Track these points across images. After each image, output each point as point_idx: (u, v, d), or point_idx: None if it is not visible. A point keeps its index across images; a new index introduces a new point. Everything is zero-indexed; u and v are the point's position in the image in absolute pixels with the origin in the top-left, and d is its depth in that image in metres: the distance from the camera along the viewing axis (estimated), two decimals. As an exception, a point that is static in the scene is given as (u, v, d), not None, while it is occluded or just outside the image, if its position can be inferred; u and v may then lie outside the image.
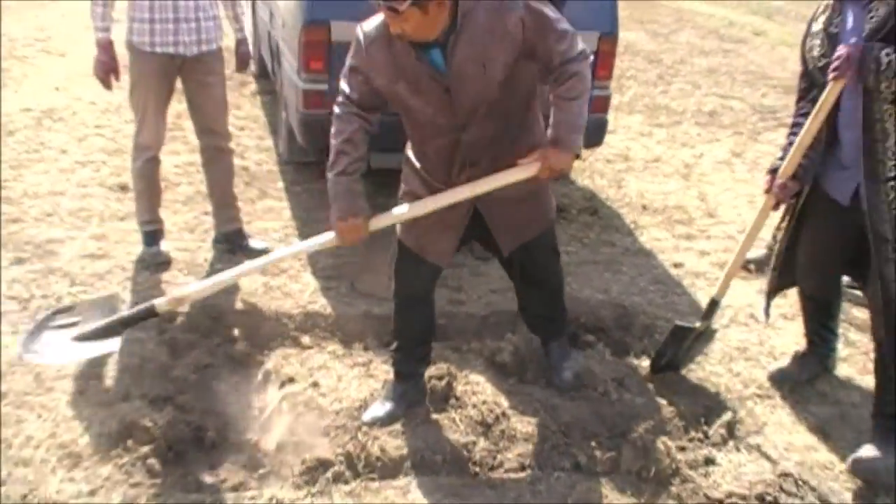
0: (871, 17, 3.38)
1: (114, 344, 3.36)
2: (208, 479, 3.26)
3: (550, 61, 3.22)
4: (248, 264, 3.55)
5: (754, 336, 4.61)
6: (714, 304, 4.04)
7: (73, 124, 6.91)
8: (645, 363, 4.22)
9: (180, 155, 6.43)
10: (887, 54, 3.26)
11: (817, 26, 3.62)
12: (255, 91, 8.42)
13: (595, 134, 5.76)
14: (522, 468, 3.43)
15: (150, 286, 4.52)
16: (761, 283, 5.21)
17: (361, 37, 3.26)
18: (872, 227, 3.48)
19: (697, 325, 4.06)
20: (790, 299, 5.03)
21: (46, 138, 6.65)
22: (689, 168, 7.43)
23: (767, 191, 3.87)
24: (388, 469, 3.30)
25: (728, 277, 4.02)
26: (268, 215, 5.59)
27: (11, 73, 8.53)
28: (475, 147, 3.35)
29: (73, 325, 3.43)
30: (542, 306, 4.02)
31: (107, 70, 4.55)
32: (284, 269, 4.84)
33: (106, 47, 4.52)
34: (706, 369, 4.27)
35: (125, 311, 3.60)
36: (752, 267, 5.41)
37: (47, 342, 3.34)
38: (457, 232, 3.60)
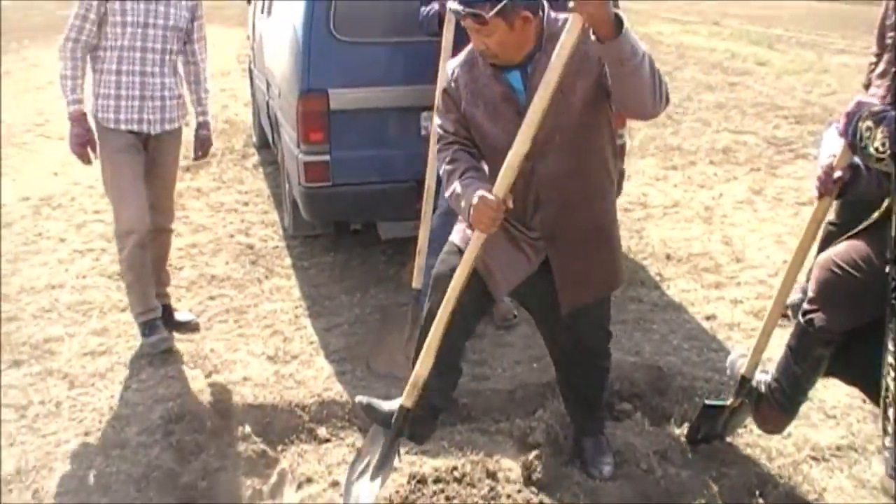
0: None
1: (396, 461, 3.35)
2: None
3: None
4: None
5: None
6: (745, 380, 3.71)
7: (71, 211, 6.72)
8: (686, 430, 3.92)
9: (183, 237, 6.20)
10: (868, 128, 2.90)
11: None
12: (256, 163, 8.23)
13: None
14: (568, 564, 3.14)
15: (154, 383, 4.25)
16: (800, 330, 4.93)
17: (450, 66, 3.29)
18: None
19: (728, 402, 3.77)
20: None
21: (44, 227, 6.46)
22: (709, 211, 7.17)
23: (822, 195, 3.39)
24: (422, 577, 3.01)
25: (758, 352, 3.69)
26: (275, 295, 5.34)
27: (10, 161, 8.39)
28: (549, 182, 3.15)
29: (367, 465, 3.35)
30: (585, 390, 3.73)
31: (82, 143, 4.38)
32: (296, 354, 4.59)
33: (79, 119, 4.35)
34: (753, 433, 3.95)
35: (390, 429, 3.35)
36: (789, 313, 5.11)
37: (357, 495, 3.28)
38: (522, 271, 3.31)
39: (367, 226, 5.74)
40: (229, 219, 6.65)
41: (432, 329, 3.16)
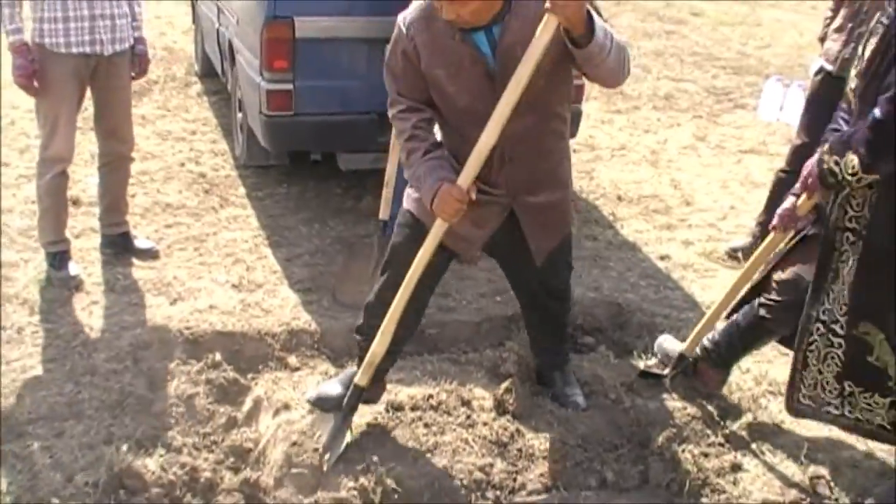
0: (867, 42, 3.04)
1: (347, 437, 3.27)
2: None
3: None
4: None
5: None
6: (682, 358, 3.83)
7: (12, 135, 6.47)
8: (649, 362, 4.02)
9: (133, 163, 6.02)
10: (836, 163, 2.99)
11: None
12: (200, 91, 8.04)
13: (572, 125, 5.54)
14: (547, 489, 3.22)
15: (119, 310, 4.18)
16: (751, 272, 5.07)
17: (401, 22, 3.09)
18: None
19: (665, 372, 3.89)
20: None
21: (-14, 153, 6.24)
22: (656, 155, 7.27)
23: (775, 228, 3.49)
24: (407, 501, 3.05)
25: (698, 336, 3.80)
26: (233, 224, 5.27)
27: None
28: (514, 140, 3.11)
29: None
30: (552, 324, 3.79)
31: (27, 74, 4.18)
32: (260, 283, 4.55)
33: (21, 50, 4.16)
34: (715, 367, 4.08)
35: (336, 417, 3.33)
36: (739, 256, 5.25)
37: None
38: (489, 230, 3.35)
39: (325, 157, 5.68)
40: (178, 147, 6.50)
41: (390, 312, 3.18)
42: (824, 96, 4.94)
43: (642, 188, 6.43)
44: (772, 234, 3.48)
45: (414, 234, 3.27)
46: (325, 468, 3.16)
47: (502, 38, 2.99)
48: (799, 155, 5.11)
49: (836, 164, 3.00)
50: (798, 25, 14.99)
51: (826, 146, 3.07)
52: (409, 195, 3.37)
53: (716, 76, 10.42)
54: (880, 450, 3.54)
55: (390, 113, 3.19)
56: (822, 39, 5.08)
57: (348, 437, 3.25)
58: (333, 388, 3.44)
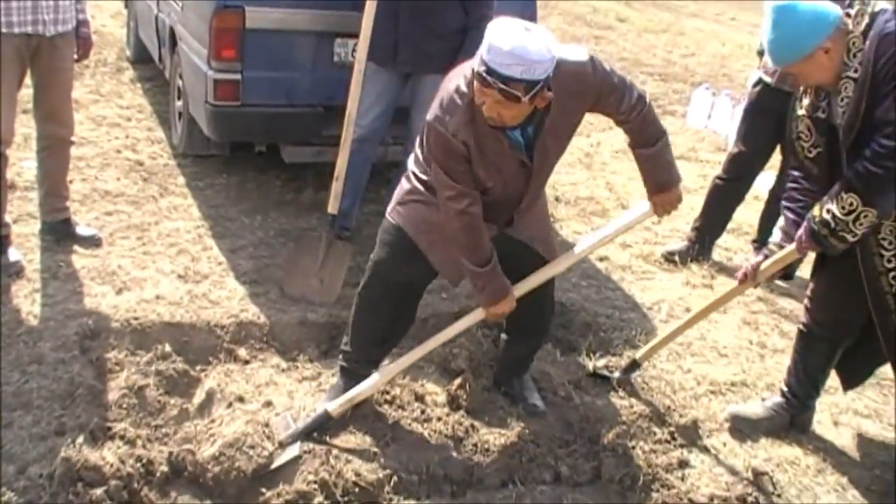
0: (843, 103, 3.15)
1: (295, 451, 3.23)
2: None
3: (618, 113, 3.23)
4: (419, 350, 3.54)
5: (695, 331, 4.53)
6: (635, 364, 4.02)
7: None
8: (598, 363, 4.11)
9: (69, 149, 5.91)
10: (828, 211, 3.16)
11: (801, 111, 3.34)
12: (133, 78, 7.88)
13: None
14: (503, 484, 3.28)
15: (63, 298, 4.08)
16: (687, 275, 5.21)
17: (444, 130, 3.04)
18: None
19: (616, 375, 4.02)
20: (717, 290, 5.04)
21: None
22: (590, 157, 7.41)
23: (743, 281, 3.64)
24: (366, 494, 3.07)
25: (654, 349, 4.01)
26: (174, 214, 5.18)
27: None
28: (526, 205, 3.37)
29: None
30: (534, 334, 3.85)
31: None
32: (206, 274, 4.48)
33: None
34: (657, 367, 4.20)
35: (299, 424, 3.34)
36: (676, 259, 5.39)
37: None
38: None
39: (269, 147, 5.63)
40: (114, 133, 6.36)
41: (399, 364, 3.50)
42: (762, 106, 5.11)
43: (578, 190, 6.54)
44: (737, 284, 3.67)
45: (403, 253, 3.38)
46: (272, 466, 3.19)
47: (538, 136, 3.12)
48: (736, 163, 5.29)
49: (828, 211, 3.14)
50: (720, 36, 15.40)
51: (812, 210, 3.25)
52: (400, 211, 3.41)
53: (644, 82, 10.65)
54: (816, 447, 3.71)
55: (449, 203, 3.15)
56: (761, 52, 5.24)
57: (297, 453, 3.22)
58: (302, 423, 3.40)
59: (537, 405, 3.72)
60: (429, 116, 3.08)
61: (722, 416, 3.85)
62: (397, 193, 3.46)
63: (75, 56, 4.48)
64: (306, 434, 3.29)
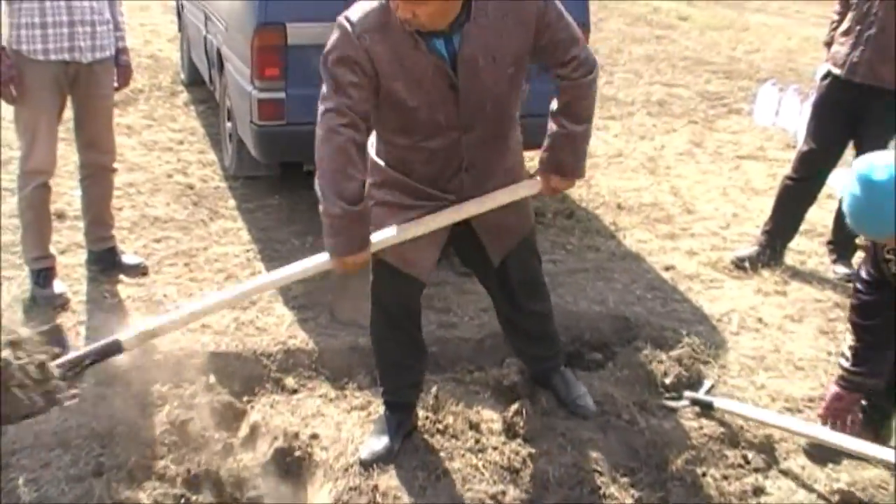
0: None
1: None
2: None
3: (562, 60, 2.96)
4: (228, 292, 3.11)
5: (768, 342, 4.29)
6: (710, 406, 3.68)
7: (-7, 147, 6.28)
8: (666, 381, 3.87)
9: (118, 175, 5.81)
10: None
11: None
12: (187, 101, 7.86)
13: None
14: (563, 519, 3.05)
15: (108, 329, 3.91)
16: (758, 282, 4.94)
17: (349, 26, 2.77)
18: None
19: (683, 404, 3.76)
20: (791, 297, 4.77)
21: (-36, 166, 6.03)
22: (653, 162, 7.14)
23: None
24: (416, 535, 2.88)
25: None
26: (224, 238, 5.09)
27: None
28: (474, 149, 3.02)
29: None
30: (536, 325, 3.65)
31: (5, 81, 3.99)
32: (254, 300, 4.36)
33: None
34: (728, 384, 3.94)
35: (80, 347, 3.09)
36: (746, 265, 5.11)
37: None
38: (439, 243, 3.22)
39: (318, 168, 5.50)
40: (165, 157, 6.32)
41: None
42: (832, 100, 4.83)
43: (642, 196, 6.29)
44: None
45: (381, 272, 3.26)
46: None
47: (463, 46, 2.83)
48: (806, 161, 5.00)
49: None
50: (785, 29, 14.95)
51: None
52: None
53: (708, 81, 10.34)
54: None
55: (322, 119, 2.84)
56: (829, 44, 4.95)
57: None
58: (378, 442, 3.26)
59: (587, 405, 3.58)
60: (340, 16, 2.82)
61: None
62: None
63: (115, 84, 4.40)
64: (90, 362, 2.93)
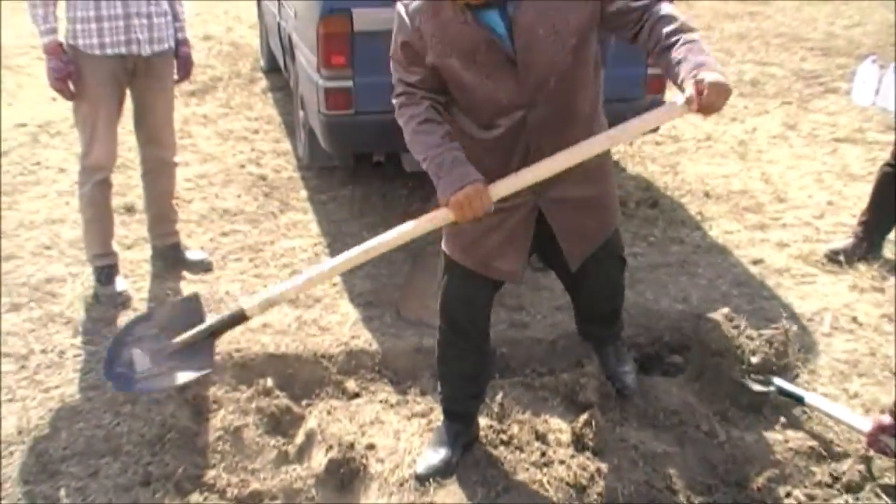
0: None
1: (206, 364, 2.90)
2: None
3: (631, 14, 2.70)
4: (341, 258, 2.96)
5: (863, 345, 3.99)
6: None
7: (71, 139, 6.27)
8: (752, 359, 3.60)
9: (190, 167, 5.81)
10: None
11: None
12: (265, 88, 7.79)
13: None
14: (632, 542, 2.84)
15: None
16: (854, 277, 4.61)
17: (403, 11, 2.77)
18: None
19: (771, 389, 3.52)
20: (889, 295, 4.44)
21: (43, 157, 6.05)
22: (744, 146, 6.79)
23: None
24: (472, 558, 2.71)
25: None
26: (292, 231, 4.98)
27: (5, 85, 7.94)
28: (541, 129, 2.78)
29: (156, 336, 2.96)
30: (603, 319, 3.51)
31: (62, 77, 3.93)
32: (318, 298, 4.24)
33: (55, 51, 3.91)
34: (817, 390, 3.65)
35: (211, 317, 3.03)
36: (841, 258, 4.78)
37: (131, 362, 2.88)
38: (525, 242, 3.00)
39: (389, 157, 5.36)
40: (239, 147, 6.25)
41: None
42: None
43: (731, 183, 5.97)
44: None
45: (465, 290, 3.08)
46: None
47: (519, 16, 2.64)
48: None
49: None
50: (887, 2, 14.22)
51: None
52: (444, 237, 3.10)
53: (804, 59, 9.86)
54: None
55: (396, 101, 2.85)
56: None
57: (209, 371, 3.00)
58: (436, 455, 3.11)
59: (627, 382, 3.45)
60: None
61: (897, 451, 3.29)
62: None
63: (176, 76, 4.30)
64: (216, 332, 2.95)
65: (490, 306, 3.19)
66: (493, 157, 2.81)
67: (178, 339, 2.88)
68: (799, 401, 3.42)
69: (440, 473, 3.02)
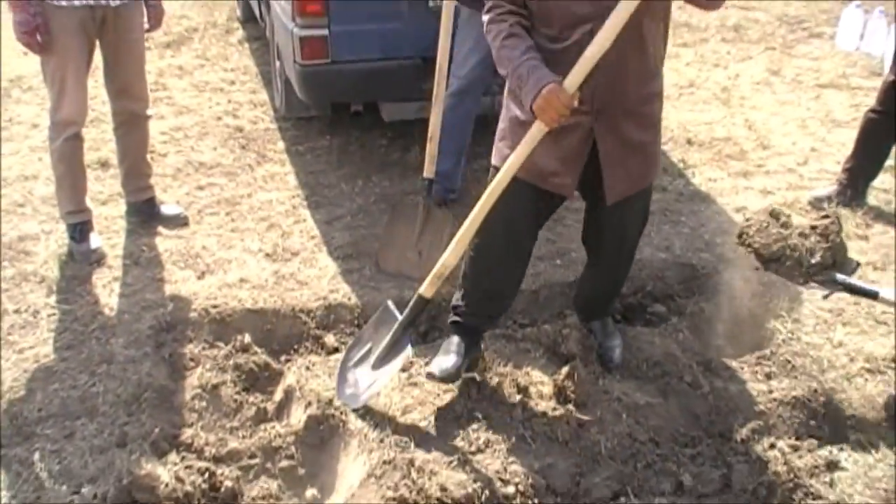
0: None
1: (407, 351, 3.08)
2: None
3: None
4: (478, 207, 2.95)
5: (848, 296, 3.94)
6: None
7: (43, 94, 6.07)
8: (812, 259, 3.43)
9: (166, 120, 5.69)
10: None
11: None
12: (242, 38, 7.63)
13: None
14: (615, 496, 2.83)
15: (142, 286, 3.84)
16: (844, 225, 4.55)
17: None
18: None
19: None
20: (873, 242, 4.41)
21: (14, 112, 5.90)
22: (727, 92, 6.71)
23: None
24: (454, 513, 2.68)
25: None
26: (270, 184, 4.89)
27: (-27, 37, 7.74)
28: (608, 50, 2.73)
29: (369, 352, 3.19)
30: (609, 281, 3.49)
31: (28, 30, 3.76)
32: (296, 251, 4.17)
33: (21, 5, 3.74)
34: (802, 340, 3.63)
35: (400, 315, 3.16)
36: (824, 206, 4.74)
37: (355, 382, 3.13)
38: (579, 161, 3.00)
39: (368, 107, 5.26)
40: (216, 99, 6.12)
41: (468, 221, 2.96)
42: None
43: (714, 130, 5.91)
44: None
45: (509, 190, 2.95)
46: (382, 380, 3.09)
47: None
48: (893, 92, 4.59)
49: None
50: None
51: None
52: (496, 150, 3.09)
53: (788, 3, 9.72)
54: None
55: (486, 17, 2.91)
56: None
57: (409, 352, 3.10)
58: (447, 360, 3.17)
59: (613, 358, 3.42)
60: None
61: (882, 401, 3.26)
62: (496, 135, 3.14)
63: (146, 26, 4.17)
64: (409, 324, 3.13)
65: (531, 232, 3.20)
66: (560, 69, 2.79)
67: (383, 344, 3.12)
68: (872, 296, 3.23)
69: (451, 378, 3.13)
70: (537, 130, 2.78)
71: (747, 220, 3.50)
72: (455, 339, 3.25)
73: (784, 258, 3.26)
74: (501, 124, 3.08)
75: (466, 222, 2.97)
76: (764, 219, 3.41)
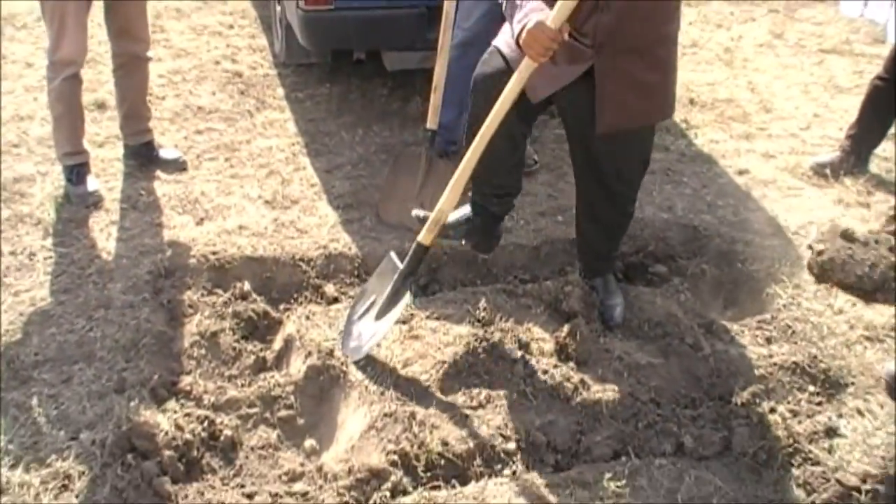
0: None
1: (406, 298, 3.11)
2: (230, 496, 2.61)
3: None
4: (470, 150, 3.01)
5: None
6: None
7: (38, 32, 5.99)
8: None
9: (163, 62, 5.59)
10: None
11: None
12: (240, -19, 7.51)
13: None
14: (615, 455, 2.82)
15: (140, 231, 3.79)
16: (840, 191, 4.55)
17: None
18: None
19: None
20: (875, 210, 4.40)
21: (9, 50, 5.78)
22: (730, 53, 6.64)
23: None
24: (453, 468, 2.67)
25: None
26: (269, 130, 4.82)
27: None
28: None
29: (372, 305, 3.19)
30: (604, 234, 3.46)
31: None
32: (296, 199, 4.12)
33: None
34: (802, 306, 3.62)
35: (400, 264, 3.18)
36: (828, 172, 4.71)
37: (358, 334, 3.14)
38: (562, 80, 2.96)
39: (370, 55, 5.19)
40: (214, 43, 6.02)
41: (462, 165, 2.99)
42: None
43: (717, 91, 5.85)
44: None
45: (497, 65, 3.04)
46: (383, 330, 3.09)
47: None
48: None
49: None
50: None
51: None
52: (502, 33, 3.11)
53: (792, -34, 9.64)
54: None
55: None
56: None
57: (408, 300, 3.13)
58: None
59: (613, 316, 3.42)
60: None
61: (881, 370, 3.26)
62: None
63: None
64: (409, 273, 3.14)
65: (530, 119, 3.24)
66: None
67: (383, 296, 3.12)
68: None
69: (486, 252, 3.54)
70: (525, 67, 2.79)
71: (817, 251, 3.83)
72: (475, 223, 3.45)
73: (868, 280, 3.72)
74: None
75: (461, 167, 2.98)
76: (838, 246, 3.79)
